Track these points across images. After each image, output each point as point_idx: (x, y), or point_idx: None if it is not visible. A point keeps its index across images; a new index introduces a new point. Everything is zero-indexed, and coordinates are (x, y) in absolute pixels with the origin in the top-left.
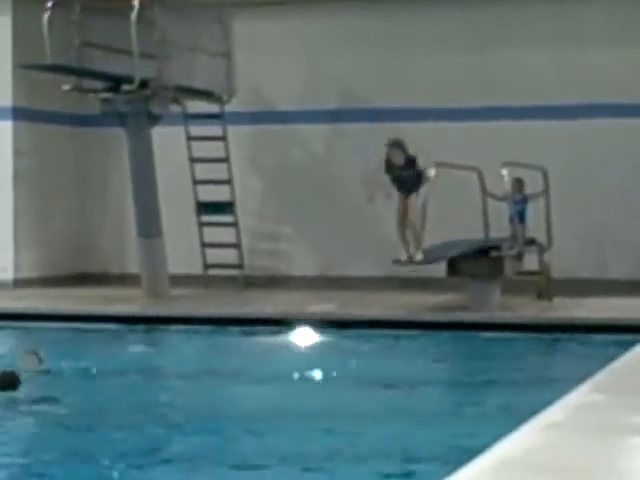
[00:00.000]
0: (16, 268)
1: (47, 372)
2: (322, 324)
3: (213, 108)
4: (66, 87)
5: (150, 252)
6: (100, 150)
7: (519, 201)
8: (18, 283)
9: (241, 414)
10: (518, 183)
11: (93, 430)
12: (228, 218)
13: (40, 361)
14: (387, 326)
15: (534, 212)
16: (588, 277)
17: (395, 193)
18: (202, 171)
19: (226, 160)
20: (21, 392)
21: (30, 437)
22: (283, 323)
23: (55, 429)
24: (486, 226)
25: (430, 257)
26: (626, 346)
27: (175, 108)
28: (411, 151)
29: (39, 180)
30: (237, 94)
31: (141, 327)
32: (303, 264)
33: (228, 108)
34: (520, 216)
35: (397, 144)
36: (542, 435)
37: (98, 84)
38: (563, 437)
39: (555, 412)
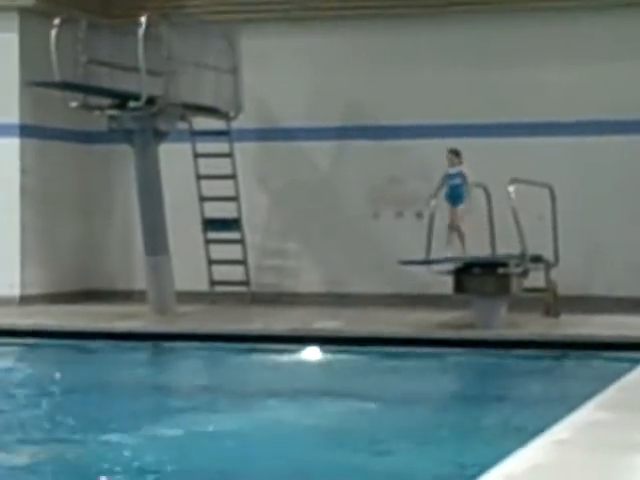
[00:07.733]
0: (23, 285)
1: None
2: (329, 341)
3: (220, 125)
4: (73, 104)
5: (157, 269)
6: (107, 167)
7: (454, 175)
8: (24, 300)
9: (246, 432)
10: (453, 154)
11: (88, 443)
12: (235, 235)
13: None
14: (394, 343)
15: (541, 228)
16: (595, 294)
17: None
18: (209, 188)
19: (233, 177)
20: None
21: None
22: (289, 340)
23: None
24: (493, 242)
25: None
26: (633, 363)
27: (182, 125)
28: (418, 169)
29: (46, 197)
30: (244, 111)
31: (148, 344)
32: (309, 281)
33: (235, 125)
34: (454, 193)
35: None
36: (549, 453)
37: (105, 101)
38: (570, 455)
39: (562, 430)
